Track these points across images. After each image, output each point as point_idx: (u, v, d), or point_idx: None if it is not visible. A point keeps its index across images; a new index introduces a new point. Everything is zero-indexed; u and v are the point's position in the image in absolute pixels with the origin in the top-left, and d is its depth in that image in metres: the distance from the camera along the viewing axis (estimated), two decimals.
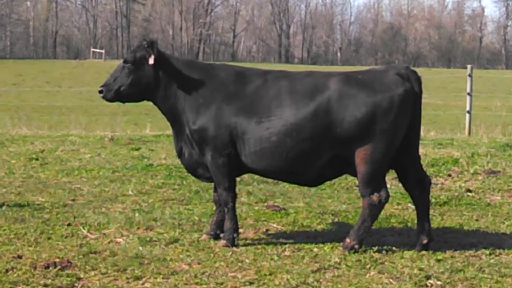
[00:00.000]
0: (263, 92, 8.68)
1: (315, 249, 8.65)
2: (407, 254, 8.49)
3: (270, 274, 7.64)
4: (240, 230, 9.02)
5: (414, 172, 8.75)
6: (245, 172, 9.15)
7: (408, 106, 8.53)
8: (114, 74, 8.96)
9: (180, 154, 9.10)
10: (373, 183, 8.48)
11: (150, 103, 9.10)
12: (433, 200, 10.88)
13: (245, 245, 8.84)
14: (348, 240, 8.56)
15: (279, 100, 8.60)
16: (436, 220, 10.21)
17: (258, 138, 8.57)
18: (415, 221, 9.08)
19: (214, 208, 9.34)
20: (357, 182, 8.87)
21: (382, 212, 9.30)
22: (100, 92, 8.96)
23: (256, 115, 8.60)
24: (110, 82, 8.95)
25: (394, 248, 8.71)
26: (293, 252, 8.56)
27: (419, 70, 8.99)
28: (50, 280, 7.36)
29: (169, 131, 19.92)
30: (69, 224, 9.71)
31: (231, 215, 8.84)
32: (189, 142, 8.90)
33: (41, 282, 7.29)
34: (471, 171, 13.64)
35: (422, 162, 9.10)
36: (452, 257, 8.44)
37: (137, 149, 16.73)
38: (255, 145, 8.59)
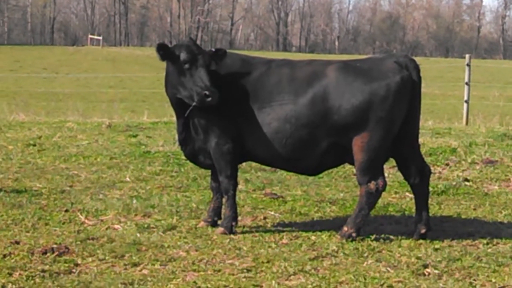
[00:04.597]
0: (266, 79, 8.71)
1: (313, 237, 8.65)
2: (405, 242, 8.50)
3: (268, 262, 7.65)
4: (238, 218, 9.01)
5: (413, 161, 8.74)
6: (247, 160, 9.17)
7: (406, 94, 8.51)
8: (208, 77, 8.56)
9: (183, 143, 9.07)
10: (371, 171, 8.48)
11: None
12: (430, 189, 10.81)
13: (242, 232, 8.84)
14: (345, 228, 8.57)
15: (280, 87, 8.62)
16: (434, 209, 10.21)
17: (260, 124, 8.59)
18: (413, 210, 9.10)
19: (212, 195, 9.34)
20: (354, 171, 8.87)
21: (380, 201, 9.31)
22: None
23: (258, 101, 8.63)
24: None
25: (391, 236, 8.71)
26: (291, 240, 8.57)
27: (417, 60, 8.98)
28: (47, 266, 7.36)
29: (166, 118, 19.98)
30: (66, 210, 9.71)
31: (231, 203, 8.84)
32: (194, 129, 8.87)
33: (39, 267, 7.29)
34: (469, 160, 13.65)
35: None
36: (449, 246, 8.44)
37: (135, 136, 16.71)
38: (257, 131, 8.61)
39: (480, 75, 50.21)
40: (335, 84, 8.51)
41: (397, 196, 11.12)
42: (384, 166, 8.87)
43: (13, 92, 39.87)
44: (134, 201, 10.27)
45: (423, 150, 13.16)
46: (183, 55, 8.60)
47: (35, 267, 7.32)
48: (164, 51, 8.70)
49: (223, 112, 8.67)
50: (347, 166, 10.97)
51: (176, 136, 9.35)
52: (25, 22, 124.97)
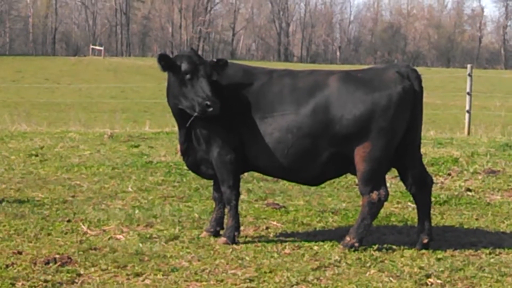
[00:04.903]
0: (268, 89, 8.73)
1: (315, 247, 8.65)
2: (407, 252, 8.50)
3: (270, 272, 7.65)
4: (240, 228, 9.01)
5: (415, 171, 8.74)
6: (248, 170, 9.18)
7: (407, 104, 8.52)
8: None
9: (185, 153, 9.07)
10: (373, 181, 8.48)
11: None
12: (433, 199, 10.79)
13: (245, 242, 8.84)
14: (348, 238, 8.56)
15: (281, 97, 8.64)
16: (436, 219, 10.21)
17: (261, 134, 8.60)
18: (415, 220, 9.10)
19: (214, 205, 9.34)
20: (357, 181, 8.87)
21: (382, 211, 9.31)
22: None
23: (260, 111, 8.64)
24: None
25: (394, 246, 8.71)
26: (293, 250, 8.57)
27: (418, 70, 9.00)
28: (50, 276, 7.35)
29: (168, 129, 19.99)
30: (69, 221, 9.71)
31: (233, 213, 8.84)
32: (196, 139, 8.88)
33: (41, 278, 7.29)
34: (471, 170, 13.65)
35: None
36: (452, 256, 8.44)
37: (137, 146, 16.72)
38: (259, 141, 8.62)
39: (482, 85, 50.20)
40: (337, 94, 8.52)
41: (399, 206, 11.12)
42: (386, 176, 8.87)
43: (15, 102, 39.92)
44: (136, 211, 10.28)
45: (425, 160, 13.17)
46: (184, 66, 8.62)
47: (37, 277, 7.31)
48: (166, 62, 8.72)
49: (224, 122, 8.67)
50: (349, 176, 10.97)
51: (178, 146, 9.35)
52: (27, 33, 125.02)
